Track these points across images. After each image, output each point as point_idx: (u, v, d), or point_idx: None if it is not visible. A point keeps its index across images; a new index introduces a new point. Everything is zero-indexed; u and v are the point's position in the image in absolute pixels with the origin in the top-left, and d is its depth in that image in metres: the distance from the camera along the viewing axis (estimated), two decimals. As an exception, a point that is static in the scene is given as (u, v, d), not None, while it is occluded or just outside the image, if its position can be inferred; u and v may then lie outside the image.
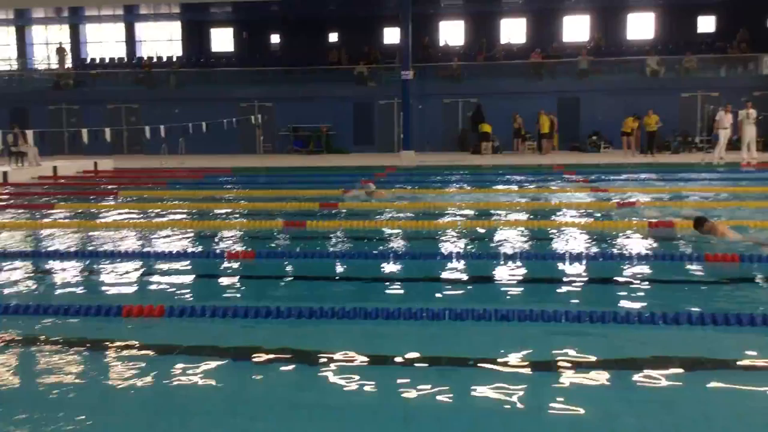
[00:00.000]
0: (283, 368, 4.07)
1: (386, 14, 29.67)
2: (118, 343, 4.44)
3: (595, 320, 4.77)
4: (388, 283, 6.33)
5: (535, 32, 31.06)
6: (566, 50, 29.64)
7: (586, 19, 31.01)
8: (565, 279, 6.30)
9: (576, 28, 31.17)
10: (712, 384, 3.82)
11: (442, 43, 31.79)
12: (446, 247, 7.74)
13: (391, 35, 31.24)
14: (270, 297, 5.78)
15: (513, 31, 31.56)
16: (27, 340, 4.57)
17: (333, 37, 32.65)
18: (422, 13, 28.30)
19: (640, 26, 30.70)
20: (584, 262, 6.86)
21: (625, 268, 6.60)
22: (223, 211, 11.35)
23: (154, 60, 33.34)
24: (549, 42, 30.29)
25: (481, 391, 3.69)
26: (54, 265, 7.12)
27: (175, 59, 33.29)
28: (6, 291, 6.11)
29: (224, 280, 6.53)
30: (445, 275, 6.46)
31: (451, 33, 32.06)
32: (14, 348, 4.48)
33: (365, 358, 4.17)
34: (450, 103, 27.75)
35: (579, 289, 6.06)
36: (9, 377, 3.97)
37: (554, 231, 8.77)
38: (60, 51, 32.78)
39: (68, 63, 33.19)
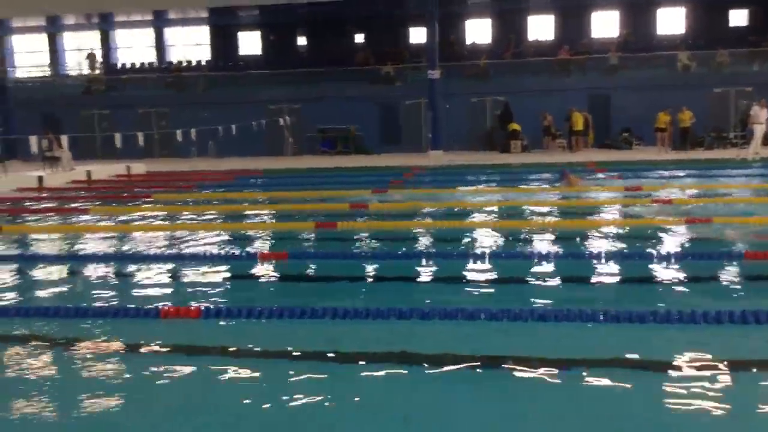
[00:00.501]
0: (317, 368, 4.06)
1: (412, 14, 29.63)
2: (156, 344, 4.48)
3: (634, 320, 4.70)
4: (422, 284, 6.31)
5: (563, 29, 30.77)
6: (595, 46, 29.32)
7: (615, 15, 30.64)
8: (602, 278, 6.22)
9: (605, 24, 30.80)
10: (756, 384, 3.73)
11: (468, 42, 31.66)
12: (479, 247, 7.69)
13: (418, 35, 31.18)
14: (303, 297, 5.78)
15: (541, 28, 31.32)
16: (65, 343, 4.63)
17: (359, 37, 32.71)
18: (449, 12, 28.19)
19: (671, 21, 30.24)
20: (621, 260, 6.76)
21: (663, 266, 6.49)
22: (255, 212, 11.42)
23: (184, 64, 33.71)
24: (578, 38, 29.98)
25: (518, 391, 3.66)
26: (90, 268, 7.22)
27: (203, 63, 33.63)
28: (44, 294, 6.22)
29: (258, 281, 6.56)
30: (479, 275, 6.42)
31: (478, 31, 31.91)
32: (53, 350, 4.54)
33: (401, 358, 4.15)
34: (477, 101, 27.60)
35: (617, 288, 5.98)
36: (48, 379, 4.03)
37: (590, 229, 8.66)
38: (91, 57, 33.32)
39: (99, 68, 33.72)
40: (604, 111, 26.36)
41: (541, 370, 3.91)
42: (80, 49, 35.56)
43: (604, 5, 30.36)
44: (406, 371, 4.00)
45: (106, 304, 5.53)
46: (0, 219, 11.33)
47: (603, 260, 6.69)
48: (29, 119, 26.41)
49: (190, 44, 34.93)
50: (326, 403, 3.62)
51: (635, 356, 4.13)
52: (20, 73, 34.37)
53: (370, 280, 6.55)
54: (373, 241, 8.43)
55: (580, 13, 30.58)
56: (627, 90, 26.12)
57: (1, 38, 28.95)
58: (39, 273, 7.07)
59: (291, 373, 4.00)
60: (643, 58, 27.58)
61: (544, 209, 10.61)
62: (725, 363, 3.96)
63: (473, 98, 27.55)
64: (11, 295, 6.22)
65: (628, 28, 30.09)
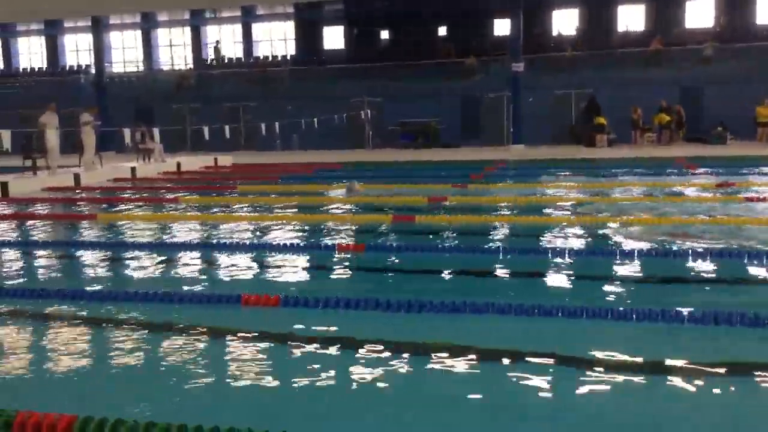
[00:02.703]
0: (391, 361, 4.09)
1: (496, 6, 29.24)
2: (237, 330, 4.62)
3: (721, 322, 4.49)
4: (497, 278, 6.25)
5: (655, 18, 29.67)
6: (689, 36, 28.12)
7: (710, 3, 29.30)
8: (688, 278, 5.98)
9: (699, 13, 29.50)
10: None
11: (554, 33, 30.98)
12: (558, 243, 7.54)
13: (501, 26, 30.80)
14: (379, 289, 5.83)
15: (631, 17, 30.29)
16: (153, 326, 4.83)
17: (442, 30, 32.58)
18: (534, 2, 27.66)
19: (772, 9, 28.68)
20: (711, 259, 6.48)
21: (755, 266, 6.18)
22: (334, 204, 11.58)
23: (270, 59, 34.53)
24: (670, 28, 28.84)
25: (592, 391, 3.57)
26: (177, 255, 7.50)
27: (289, 57, 34.33)
28: (133, 279, 6.52)
29: (335, 272, 6.66)
30: (557, 271, 6.30)
31: (565, 22, 31.18)
32: (139, 333, 4.74)
33: (475, 353, 4.12)
34: (562, 94, 26.99)
35: (704, 288, 5.74)
36: (134, 362, 4.21)
37: (676, 227, 8.34)
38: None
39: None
40: (696, 104, 25.28)
41: (622, 372, 3.81)
42: (172, 44, 37.00)
43: (699, -7, 29.14)
44: (485, 365, 3.98)
45: (192, 290, 5.74)
46: (96, 207, 11.94)
47: (690, 258, 6.43)
48: (124, 113, 27.66)
49: (277, 39, 35.74)
50: (399, 393, 3.64)
51: (720, 361, 3.95)
52: (116, 69, 36.07)
53: (447, 274, 6.53)
54: (452, 234, 8.39)
55: (674, 2, 29.39)
56: (721, 83, 24.94)
57: (99, 35, 30.38)
58: (129, 259, 7.40)
59: (364, 362, 4.04)
60: (739, 49, 26.25)
61: (627, 205, 10.29)
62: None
63: (558, 91, 26.96)
64: (103, 280, 6.56)
65: (724, 18, 28.71)
